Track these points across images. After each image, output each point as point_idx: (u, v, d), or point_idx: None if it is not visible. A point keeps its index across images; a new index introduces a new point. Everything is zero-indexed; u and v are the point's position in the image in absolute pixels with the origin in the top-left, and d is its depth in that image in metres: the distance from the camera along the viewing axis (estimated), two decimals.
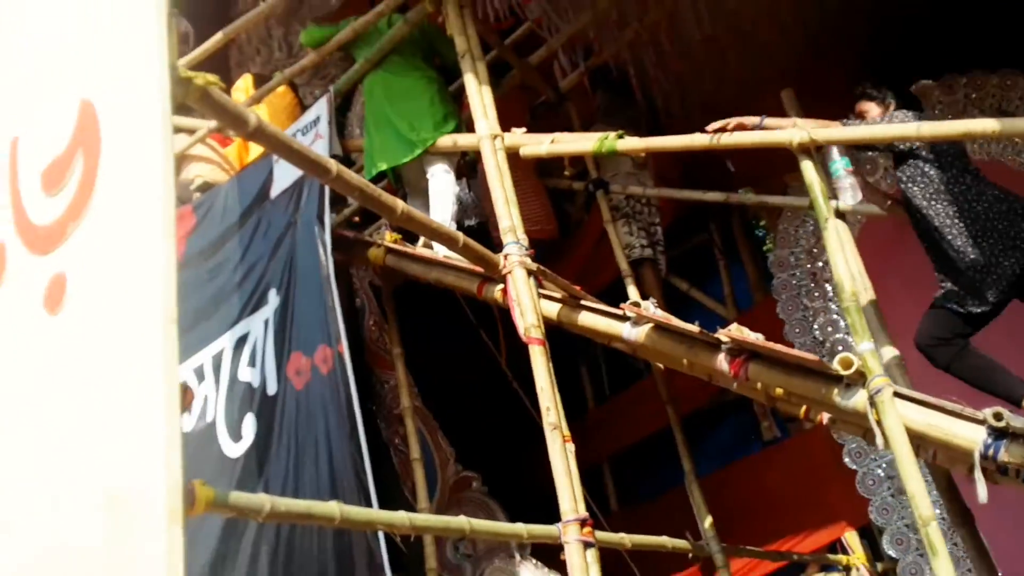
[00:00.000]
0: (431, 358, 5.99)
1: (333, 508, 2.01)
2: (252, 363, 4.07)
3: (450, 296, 5.28)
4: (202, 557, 3.53)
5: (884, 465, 4.55)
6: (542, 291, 3.33)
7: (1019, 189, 4.26)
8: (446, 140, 3.99)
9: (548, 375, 3.02)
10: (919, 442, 2.48)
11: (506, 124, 3.73)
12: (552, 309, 3.31)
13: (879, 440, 2.42)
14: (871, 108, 3.22)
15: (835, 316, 4.84)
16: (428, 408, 5.72)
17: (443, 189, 4.01)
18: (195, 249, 4.64)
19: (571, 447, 2.95)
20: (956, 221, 2.88)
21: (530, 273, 3.22)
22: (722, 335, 2.69)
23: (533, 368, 3.05)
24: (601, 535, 2.92)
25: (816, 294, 4.90)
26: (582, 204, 5.89)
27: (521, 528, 2.62)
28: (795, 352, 2.51)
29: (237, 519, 3.77)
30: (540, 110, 5.01)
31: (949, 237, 2.90)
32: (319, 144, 4.18)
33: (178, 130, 5.35)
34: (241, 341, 4.16)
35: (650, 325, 2.99)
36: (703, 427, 5.39)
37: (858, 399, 2.48)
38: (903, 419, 2.38)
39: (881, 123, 3.01)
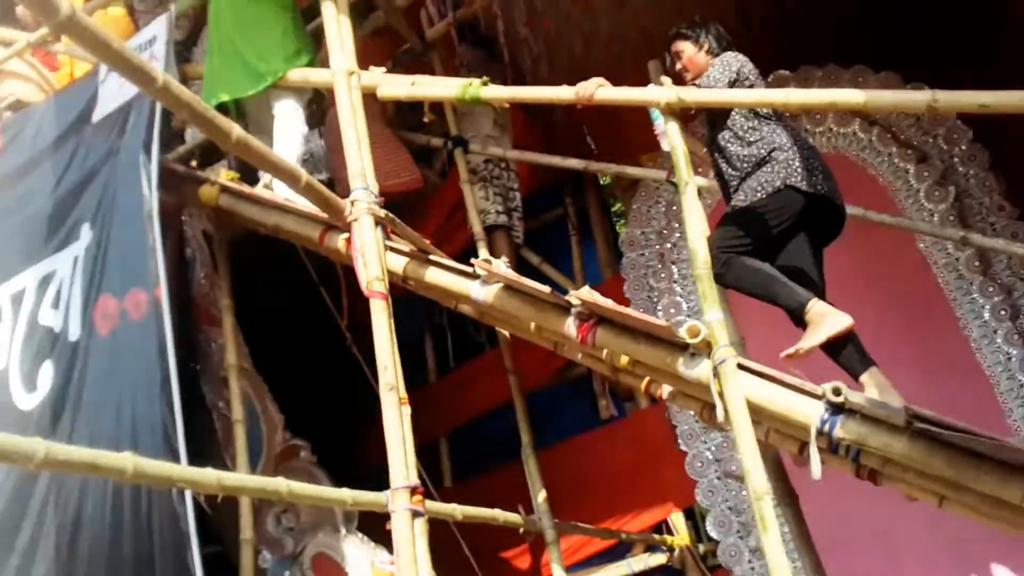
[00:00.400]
0: (265, 317, 5.63)
1: (125, 460, 1.73)
2: (56, 305, 3.66)
3: (290, 250, 4.99)
4: None
5: (713, 448, 4.63)
6: (389, 244, 3.13)
7: (861, 184, 4.50)
8: (297, 74, 3.69)
9: (388, 332, 2.82)
10: (757, 417, 2.46)
11: (366, 68, 3.48)
12: (399, 263, 3.11)
13: (719, 411, 2.37)
14: (686, 47, 3.21)
15: (679, 299, 4.88)
16: (259, 371, 5.41)
17: (289, 126, 3.72)
18: (1, 173, 4.14)
19: (407, 410, 2.78)
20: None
21: (378, 222, 3.02)
22: (572, 297, 2.58)
23: (372, 324, 2.85)
24: (431, 505, 2.77)
25: (663, 275, 4.92)
26: (440, 167, 5.71)
27: (346, 494, 2.42)
28: (644, 317, 2.43)
29: (26, 480, 3.38)
30: (403, 59, 4.78)
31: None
32: (155, 65, 3.77)
33: None
34: (46, 280, 3.73)
35: (500, 285, 2.85)
36: (543, 404, 5.34)
37: (702, 369, 2.43)
38: (744, 391, 2.34)
39: (711, 69, 2.97)
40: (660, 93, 2.66)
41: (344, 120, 3.20)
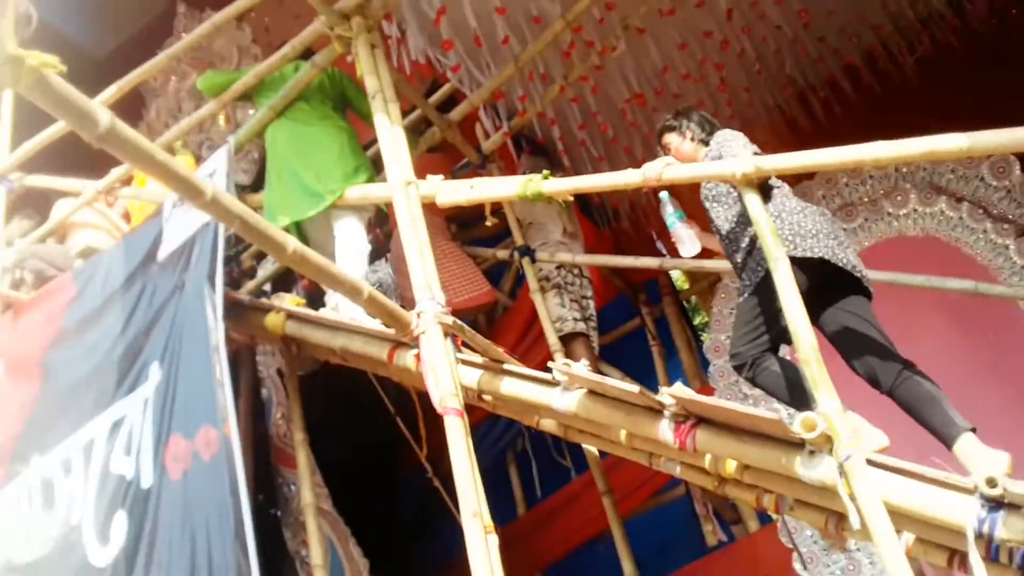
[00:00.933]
0: (344, 455, 5.47)
1: None
2: (127, 451, 3.48)
3: (365, 384, 4.83)
4: None
5: (838, 571, 4.15)
6: (461, 357, 2.92)
7: (958, 264, 4.16)
8: (355, 191, 3.62)
9: (467, 451, 2.58)
10: (896, 523, 2.10)
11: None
12: (473, 376, 2.89)
13: (852, 518, 2.02)
14: (671, 139, 3.17)
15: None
16: (340, 512, 5.16)
17: (351, 243, 3.62)
18: (73, 322, 4.11)
19: (494, 539, 2.50)
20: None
21: (447, 334, 2.82)
22: (665, 394, 2.30)
23: (449, 444, 2.61)
24: None
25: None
26: (509, 288, 5.56)
27: None
28: (750, 411, 2.13)
29: None
30: (461, 173, 4.70)
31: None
32: (200, 178, 3.74)
33: (63, 194, 4.90)
34: (117, 426, 3.58)
35: (583, 391, 2.59)
36: (641, 532, 4.93)
37: (824, 469, 2.09)
38: (880, 492, 2.00)
39: (728, 144, 2.81)
40: (735, 164, 2.44)
41: (404, 231, 3.06)
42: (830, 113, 5.42)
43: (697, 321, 7.59)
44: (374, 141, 3.68)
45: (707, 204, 2.97)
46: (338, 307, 3.52)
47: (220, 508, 3.01)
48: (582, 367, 2.54)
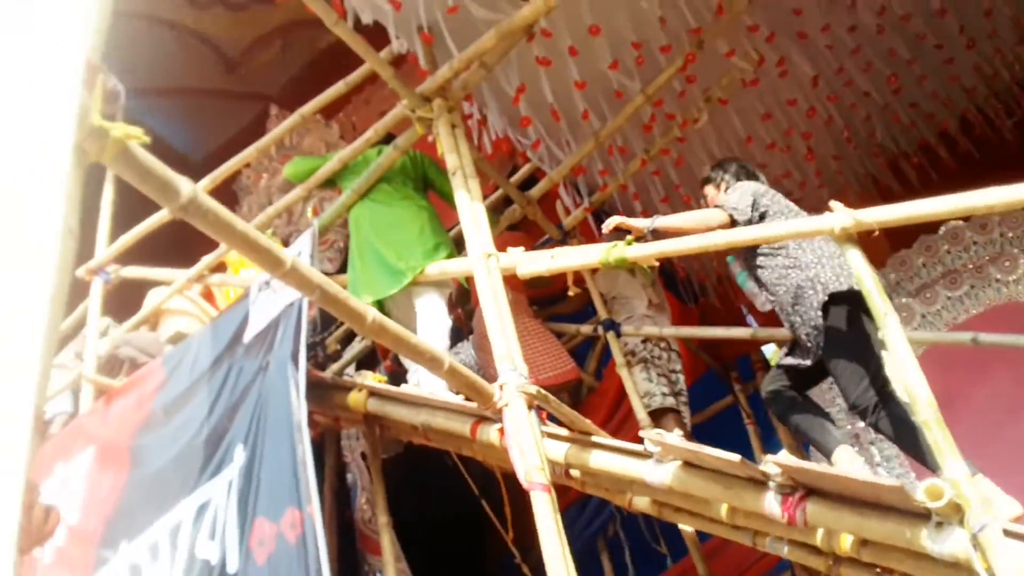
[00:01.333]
0: (430, 540, 5.33)
1: None
2: (213, 535, 3.44)
3: (450, 467, 4.72)
4: None
5: None
6: (546, 430, 2.80)
7: None
8: (436, 267, 3.60)
9: (556, 529, 2.43)
10: None
11: None
12: (559, 450, 2.76)
13: None
14: (708, 191, 3.43)
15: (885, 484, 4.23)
16: None
17: (432, 318, 3.58)
18: (161, 407, 4.14)
19: None
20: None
21: (531, 406, 2.71)
22: (770, 463, 2.13)
23: (537, 522, 2.47)
24: None
25: (862, 459, 4.29)
26: (594, 368, 5.42)
27: None
28: (867, 478, 1.94)
29: None
30: (542, 249, 4.64)
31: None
32: (280, 249, 3.76)
33: (155, 283, 5.04)
34: (202, 510, 3.55)
35: (678, 463, 2.43)
36: None
37: (955, 543, 1.87)
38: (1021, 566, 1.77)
39: (729, 195, 3.17)
40: (833, 219, 2.30)
41: (485, 303, 3.00)
42: (925, 180, 5.23)
43: None
44: (457, 224, 3.69)
45: (760, 259, 3.13)
46: (420, 384, 3.46)
47: None
48: (676, 437, 2.39)
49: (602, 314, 4.31)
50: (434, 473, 4.92)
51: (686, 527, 3.48)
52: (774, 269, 3.08)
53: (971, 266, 4.19)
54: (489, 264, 3.09)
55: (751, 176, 3.36)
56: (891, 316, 2.11)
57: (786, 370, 3.13)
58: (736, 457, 2.16)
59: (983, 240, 4.29)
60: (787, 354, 3.17)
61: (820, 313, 2.92)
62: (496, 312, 2.97)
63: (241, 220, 2.06)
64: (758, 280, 3.18)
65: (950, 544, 1.88)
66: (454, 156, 3.33)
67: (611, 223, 3.04)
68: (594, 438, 2.70)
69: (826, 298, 2.92)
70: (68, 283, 1.81)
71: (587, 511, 5.36)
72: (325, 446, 5.31)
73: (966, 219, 4.35)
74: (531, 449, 2.58)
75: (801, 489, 2.14)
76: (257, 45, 7.19)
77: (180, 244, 4.97)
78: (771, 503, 2.19)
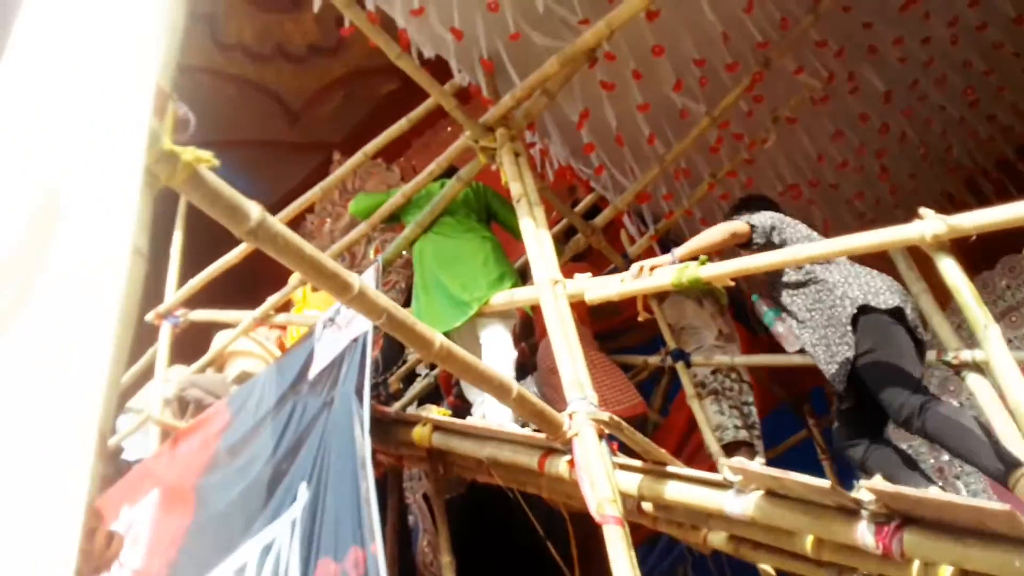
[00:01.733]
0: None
1: None
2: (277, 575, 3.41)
3: (513, 509, 4.62)
4: None
5: None
6: (619, 461, 2.70)
7: None
8: (501, 297, 3.54)
9: (630, 563, 2.32)
10: None
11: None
12: (632, 481, 2.65)
13: None
14: None
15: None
16: None
17: (498, 349, 3.53)
18: (226, 447, 4.14)
19: None
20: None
21: (602, 435, 2.62)
22: (863, 489, 2.00)
23: (610, 557, 2.36)
24: None
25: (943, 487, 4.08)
26: (660, 404, 5.28)
27: None
28: (972, 502, 1.79)
29: None
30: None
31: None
32: (347, 273, 3.75)
33: (223, 326, 5.08)
34: (267, 550, 3.51)
35: (760, 493, 2.30)
36: None
37: None
38: None
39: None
40: (923, 226, 2.18)
41: (552, 331, 2.92)
42: (1004, 196, 5.01)
43: None
44: (521, 257, 3.65)
45: (787, 291, 3.09)
46: (485, 417, 3.39)
47: None
48: (758, 464, 2.27)
49: (671, 344, 4.20)
50: (497, 513, 4.81)
51: (765, 567, 3.30)
52: (806, 297, 3.02)
53: None
54: (556, 290, 3.03)
55: (770, 207, 3.36)
56: (992, 327, 1.98)
57: (844, 421, 3.02)
58: (826, 483, 2.03)
59: None
60: (839, 404, 3.06)
61: (850, 327, 2.86)
62: (564, 339, 2.90)
63: (309, 245, 2.04)
64: (789, 314, 3.10)
65: None
66: (518, 184, 3.30)
67: (635, 269, 2.94)
68: (669, 468, 2.59)
69: (855, 311, 2.87)
70: (136, 304, 1.80)
71: (655, 552, 5.18)
72: (387, 487, 5.26)
73: None
74: (603, 480, 2.48)
75: (897, 518, 2.01)
76: (319, 95, 7.34)
77: (247, 288, 5.04)
78: (864, 533, 2.05)
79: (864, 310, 2.86)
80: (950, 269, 2.11)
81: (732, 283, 2.61)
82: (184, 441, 4.43)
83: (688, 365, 4.12)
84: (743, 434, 4.03)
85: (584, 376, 2.80)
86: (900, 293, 2.92)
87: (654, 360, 4.49)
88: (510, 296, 3.54)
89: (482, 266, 3.69)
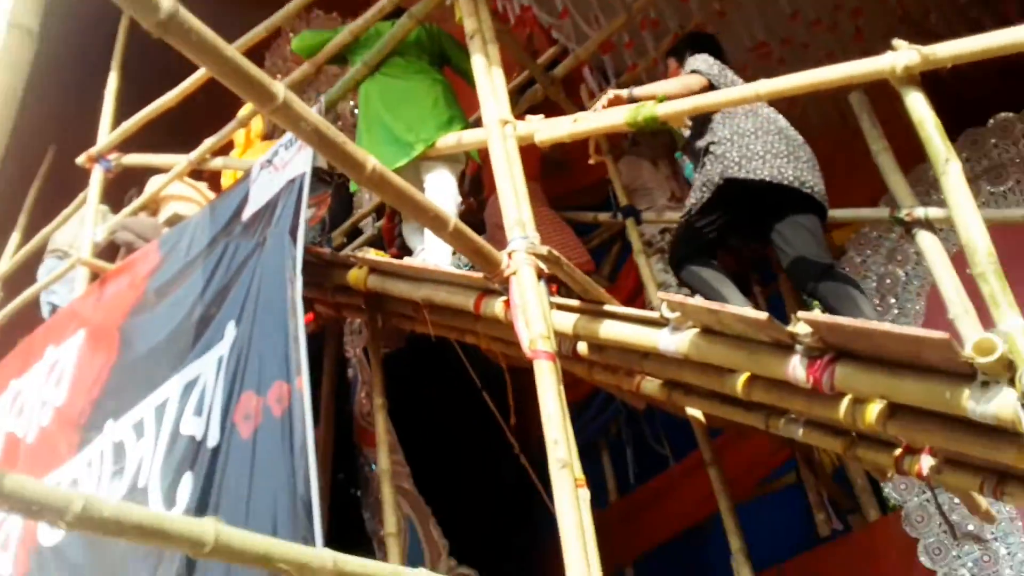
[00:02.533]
0: (431, 438, 5.26)
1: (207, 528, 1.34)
2: (199, 411, 3.31)
3: (455, 362, 4.61)
4: None
5: (970, 563, 3.69)
6: (556, 301, 2.65)
7: None
8: (448, 139, 3.39)
9: (558, 400, 2.30)
10: None
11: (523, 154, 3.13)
12: (567, 321, 2.61)
13: None
14: (671, 63, 3.39)
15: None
16: (423, 494, 4.95)
17: (443, 194, 3.39)
18: (154, 289, 4.00)
19: (586, 494, 2.21)
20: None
21: (541, 276, 2.55)
22: (798, 322, 1.96)
23: (538, 390, 2.33)
24: None
25: None
26: (609, 271, 5.26)
27: None
28: (907, 331, 1.76)
29: None
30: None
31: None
32: (303, 154, 3.58)
33: (157, 171, 4.87)
34: (190, 386, 3.42)
35: (696, 330, 2.27)
36: (745, 523, 4.57)
37: (1001, 402, 1.71)
38: None
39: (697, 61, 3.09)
40: (894, 57, 2.08)
41: (499, 173, 2.81)
42: None
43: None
44: (477, 114, 3.47)
45: (697, 152, 3.07)
46: (426, 262, 3.30)
47: (286, 467, 2.79)
48: (697, 299, 2.23)
49: (623, 201, 4.11)
50: (437, 367, 4.82)
51: (695, 413, 3.34)
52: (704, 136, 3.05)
53: (1018, 160, 3.94)
54: (505, 131, 2.89)
55: (705, 49, 3.26)
56: (953, 163, 1.92)
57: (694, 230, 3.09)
58: (763, 315, 1.99)
59: None
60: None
61: (713, 193, 2.91)
62: (510, 181, 2.79)
63: (226, 43, 1.86)
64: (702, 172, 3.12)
65: (995, 404, 1.71)
66: (473, 19, 3.10)
67: (604, 99, 2.89)
68: (606, 307, 2.54)
69: (721, 182, 2.90)
70: (18, 83, 1.62)
71: (591, 410, 5.28)
72: (326, 341, 5.21)
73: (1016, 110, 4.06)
74: (538, 318, 2.43)
75: (831, 352, 1.99)
76: None
77: (184, 132, 4.80)
78: (796, 367, 2.03)
79: (729, 182, 2.88)
80: (917, 103, 2.02)
81: (688, 124, 2.51)
82: (112, 283, 4.29)
83: (638, 222, 4.05)
84: (686, 292, 4.01)
85: (528, 217, 2.70)
86: (779, 157, 2.88)
87: (604, 216, 4.42)
88: (458, 138, 3.38)
89: (431, 108, 3.51)
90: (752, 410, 2.71)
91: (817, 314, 1.93)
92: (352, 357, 5.31)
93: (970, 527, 3.70)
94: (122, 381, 3.72)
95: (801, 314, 1.92)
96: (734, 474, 4.45)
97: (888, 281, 4.00)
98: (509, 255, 2.59)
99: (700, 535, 4.74)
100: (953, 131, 3.97)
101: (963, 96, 4.27)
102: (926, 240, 2.86)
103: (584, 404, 5.20)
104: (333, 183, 5.50)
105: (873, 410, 2.10)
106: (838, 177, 3.94)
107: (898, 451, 2.40)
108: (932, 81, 2.35)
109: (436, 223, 2.40)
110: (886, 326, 1.77)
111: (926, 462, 2.34)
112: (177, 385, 3.42)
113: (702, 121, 3.02)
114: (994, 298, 1.75)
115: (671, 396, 2.97)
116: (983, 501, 2.90)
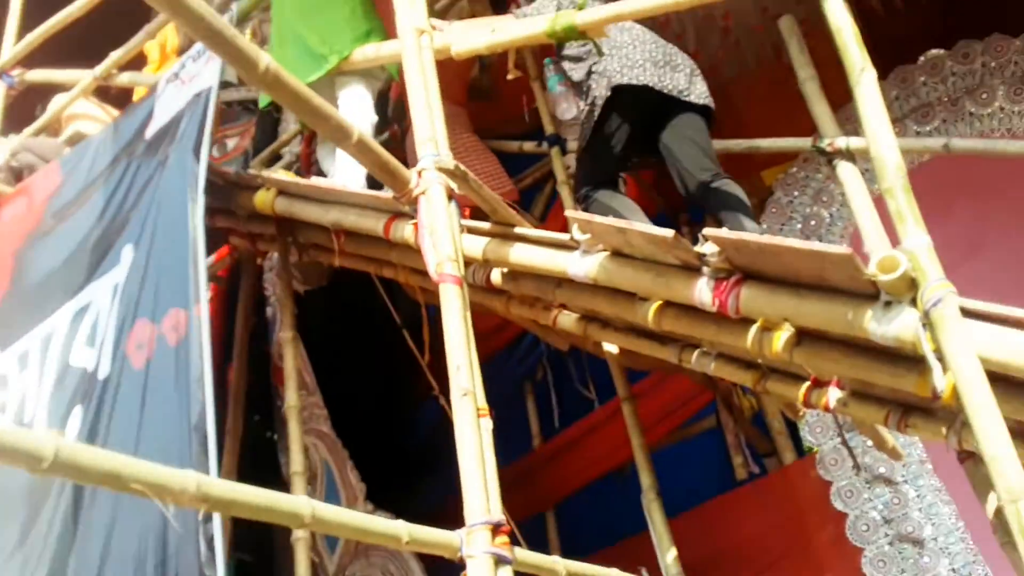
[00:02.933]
0: (350, 380, 5.15)
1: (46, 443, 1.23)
2: (91, 342, 3.11)
3: (374, 301, 4.48)
4: None
5: (880, 506, 3.74)
6: (467, 224, 2.54)
7: None
8: (363, 52, 3.23)
9: (463, 324, 2.19)
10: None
11: (447, 78, 2.96)
12: (477, 246, 2.50)
13: (936, 380, 1.60)
14: None
15: None
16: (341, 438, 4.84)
17: (357, 110, 3.24)
18: (52, 212, 3.77)
19: (488, 424, 2.12)
20: None
21: (451, 196, 2.43)
22: (706, 240, 1.88)
23: (443, 314, 2.23)
24: (524, 554, 2.05)
25: None
26: (541, 211, 5.16)
27: (401, 529, 1.75)
28: (812, 246, 1.69)
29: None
30: (490, 59, 4.26)
31: None
32: (211, 65, 3.36)
33: (63, 88, 4.60)
34: (80, 314, 3.21)
35: (605, 254, 2.18)
36: (665, 466, 4.54)
37: (903, 322, 1.66)
38: (977, 347, 1.58)
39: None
40: None
41: (412, 85, 2.65)
42: None
43: None
44: None
45: (566, 64, 3.13)
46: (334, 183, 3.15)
47: (180, 397, 2.62)
48: (607, 220, 2.13)
49: (548, 130, 4.00)
50: (358, 306, 4.69)
51: (611, 349, 3.28)
52: (582, 68, 3.08)
53: (946, 99, 3.92)
54: (421, 42, 2.73)
55: None
56: (868, 72, 1.84)
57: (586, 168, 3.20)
58: (669, 232, 1.91)
59: (962, 70, 3.97)
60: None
61: (604, 106, 2.94)
62: (424, 97, 2.63)
63: None
64: (571, 84, 3.16)
65: (896, 325, 1.66)
66: None
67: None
68: (517, 230, 2.44)
69: (609, 93, 2.93)
70: None
71: (515, 354, 5.21)
72: (242, 277, 5.03)
73: (948, 47, 4.02)
74: (446, 239, 2.31)
75: (737, 274, 1.92)
76: None
77: (95, 48, 4.52)
78: (702, 290, 1.96)
79: (616, 91, 2.92)
80: (836, 9, 1.93)
81: (607, 35, 2.40)
82: (9, 206, 4.05)
83: (564, 152, 3.95)
84: None
85: (441, 135, 2.57)
86: (657, 66, 2.95)
87: (529, 146, 4.29)
88: (375, 51, 3.21)
89: (347, 19, 3.33)
90: (666, 344, 2.66)
91: (724, 232, 1.85)
92: (271, 296, 5.14)
93: (881, 470, 3.74)
94: (12, 311, 3.50)
95: (708, 231, 1.84)
96: (655, 418, 4.46)
97: (812, 223, 3.96)
98: (419, 173, 2.46)
99: (621, 479, 4.74)
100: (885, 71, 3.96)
101: (897, 35, 4.24)
102: (846, 171, 2.84)
103: (509, 350, 5.14)
104: (257, 111, 5.28)
105: (780, 338, 2.04)
106: (774, 115, 3.91)
107: (807, 384, 2.36)
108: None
109: (338, 133, 2.25)
110: (790, 241, 1.69)
111: (833, 394, 2.30)
112: (66, 314, 3.21)
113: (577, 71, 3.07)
114: (900, 214, 1.69)
115: (587, 330, 2.90)
116: (890, 438, 2.90)
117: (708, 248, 1.90)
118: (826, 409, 2.35)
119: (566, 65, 3.09)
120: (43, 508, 2.72)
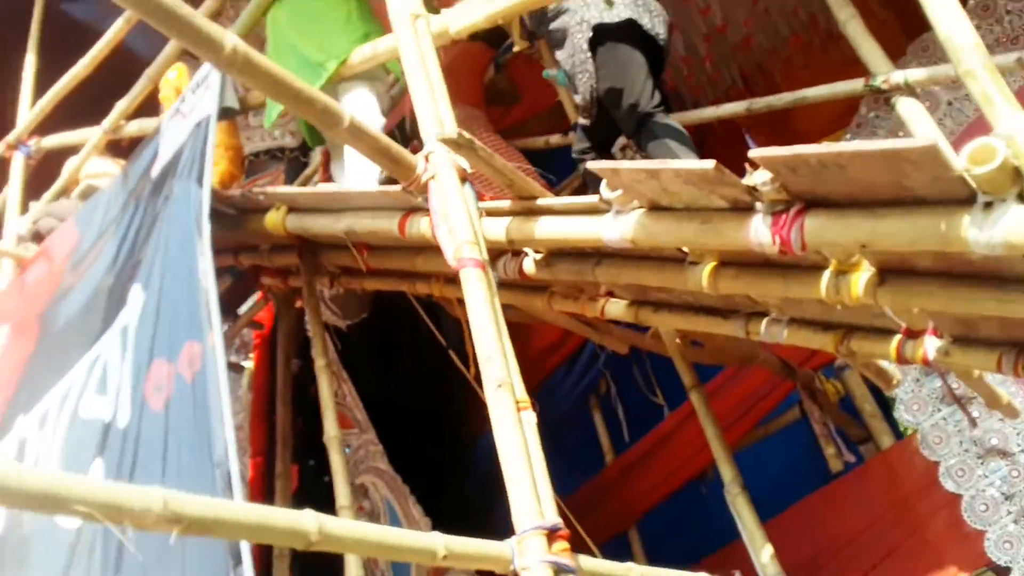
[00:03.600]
0: (405, 414, 4.92)
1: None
2: (103, 390, 2.91)
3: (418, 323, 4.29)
4: None
5: (998, 481, 3.32)
6: (485, 206, 2.28)
7: None
8: (360, 52, 3.03)
9: (492, 312, 1.92)
10: None
11: (462, 81, 2.76)
12: (499, 227, 2.24)
13: None
14: None
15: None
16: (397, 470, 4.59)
17: (361, 106, 3.03)
18: (71, 267, 3.64)
19: (530, 417, 1.83)
20: None
21: (464, 178, 2.18)
22: (755, 162, 1.57)
23: (467, 302, 1.96)
24: (589, 561, 1.73)
25: None
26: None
27: (437, 542, 1.47)
28: (888, 146, 1.37)
29: None
30: (505, 57, 4.03)
31: None
32: (209, 94, 3.19)
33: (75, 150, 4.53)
34: (92, 366, 3.03)
35: (641, 211, 1.88)
36: (751, 467, 4.19)
37: (1012, 223, 1.32)
38: None
39: None
40: None
41: (411, 71, 2.42)
42: None
43: None
44: None
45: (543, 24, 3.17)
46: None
47: (201, 435, 2.38)
48: (636, 163, 1.84)
49: (573, 118, 3.74)
50: (404, 332, 4.48)
51: (669, 337, 2.96)
52: (558, 27, 3.14)
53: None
54: (418, 27, 2.50)
55: None
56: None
57: (585, 131, 3.30)
58: (709, 163, 1.60)
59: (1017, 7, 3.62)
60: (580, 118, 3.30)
61: (590, 52, 3.00)
62: (425, 81, 2.40)
63: None
64: (552, 43, 3.25)
65: (1003, 227, 1.32)
66: None
67: None
68: (540, 201, 2.16)
69: (592, 33, 2.99)
70: None
71: (575, 370, 4.92)
72: (279, 317, 4.86)
73: None
74: (463, 223, 2.05)
75: (798, 203, 1.60)
76: None
77: (106, 107, 4.46)
78: (758, 230, 1.65)
79: (598, 30, 2.97)
80: None
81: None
82: (32, 270, 3.94)
83: None
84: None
85: (447, 115, 2.32)
86: (634, 5, 3.01)
87: (555, 140, 4.04)
88: (372, 50, 3.00)
89: (343, 24, 3.17)
90: (728, 317, 2.35)
91: (774, 149, 1.54)
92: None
93: (994, 441, 3.34)
94: (35, 372, 3.34)
95: (754, 152, 1.52)
96: (733, 416, 4.12)
97: None
98: (426, 157, 2.21)
99: (705, 485, 4.39)
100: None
101: None
102: (908, 107, 2.52)
103: (569, 365, 4.86)
104: (285, 157, 5.15)
105: (859, 280, 1.72)
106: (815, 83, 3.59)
107: (898, 338, 2.02)
108: None
109: (326, 118, 2.02)
110: (854, 145, 1.37)
111: (931, 344, 1.96)
112: (83, 367, 3.04)
113: (560, 37, 3.13)
114: (987, 96, 1.37)
115: (639, 315, 2.60)
116: (1004, 394, 2.52)
117: (758, 177, 1.59)
118: (924, 362, 2.01)
119: (545, 24, 3.14)
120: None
